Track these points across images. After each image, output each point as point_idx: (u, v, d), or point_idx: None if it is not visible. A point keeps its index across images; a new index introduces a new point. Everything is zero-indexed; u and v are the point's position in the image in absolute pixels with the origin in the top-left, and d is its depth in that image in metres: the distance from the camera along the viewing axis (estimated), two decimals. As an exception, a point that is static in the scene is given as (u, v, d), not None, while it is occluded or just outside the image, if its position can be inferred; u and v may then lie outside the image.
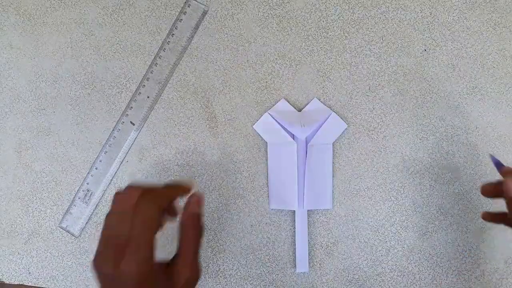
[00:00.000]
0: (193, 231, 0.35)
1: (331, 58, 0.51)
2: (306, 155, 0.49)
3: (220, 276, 0.49)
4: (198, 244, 0.35)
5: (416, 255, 0.50)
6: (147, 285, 0.31)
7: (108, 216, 0.33)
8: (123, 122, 0.51)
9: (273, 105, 0.50)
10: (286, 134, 0.49)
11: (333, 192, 0.50)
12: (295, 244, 0.49)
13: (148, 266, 0.31)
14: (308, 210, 0.50)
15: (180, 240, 0.35)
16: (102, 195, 0.51)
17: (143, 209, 0.32)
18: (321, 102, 0.50)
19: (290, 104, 0.50)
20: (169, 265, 0.34)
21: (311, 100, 0.50)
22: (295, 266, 0.49)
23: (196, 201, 0.36)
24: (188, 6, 0.51)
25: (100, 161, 0.50)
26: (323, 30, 0.51)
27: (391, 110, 0.50)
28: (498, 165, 0.39)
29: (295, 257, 0.50)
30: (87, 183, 0.50)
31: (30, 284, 0.51)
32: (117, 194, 0.34)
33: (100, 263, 0.31)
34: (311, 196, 0.49)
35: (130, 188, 0.33)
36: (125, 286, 0.30)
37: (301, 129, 0.49)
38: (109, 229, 0.33)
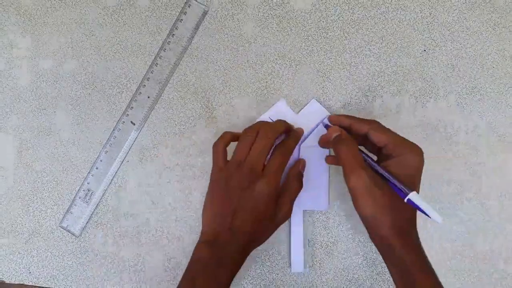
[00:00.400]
0: (296, 183, 0.46)
1: (331, 58, 0.51)
2: (299, 153, 0.49)
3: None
4: (297, 194, 0.46)
5: (416, 255, 0.50)
6: (269, 205, 0.43)
7: (243, 143, 0.44)
8: (124, 122, 0.51)
9: (272, 105, 0.51)
10: (281, 136, 0.49)
11: (329, 192, 0.50)
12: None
13: (276, 192, 0.43)
14: (308, 210, 0.50)
15: (284, 185, 0.46)
16: (103, 195, 0.51)
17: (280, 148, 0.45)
18: (319, 103, 0.50)
19: (287, 105, 0.50)
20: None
21: (310, 101, 0.50)
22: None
23: (303, 164, 0.48)
24: (188, 6, 0.51)
25: (101, 160, 0.51)
26: (323, 30, 0.51)
27: (391, 110, 0.51)
28: (327, 126, 0.47)
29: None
30: (88, 183, 0.51)
31: (30, 284, 0.51)
32: (248, 132, 0.45)
33: (234, 179, 0.43)
34: (306, 197, 0.49)
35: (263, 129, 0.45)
36: (254, 201, 0.42)
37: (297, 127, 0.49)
38: (244, 155, 0.44)
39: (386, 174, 0.40)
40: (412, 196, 0.38)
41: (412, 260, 0.39)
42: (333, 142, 0.44)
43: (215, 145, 0.46)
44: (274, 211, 0.44)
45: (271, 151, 0.45)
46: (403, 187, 0.39)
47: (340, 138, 0.44)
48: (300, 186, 0.47)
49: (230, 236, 0.43)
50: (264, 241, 0.46)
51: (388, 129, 0.43)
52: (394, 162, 0.41)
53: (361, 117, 0.47)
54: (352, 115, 0.46)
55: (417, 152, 0.42)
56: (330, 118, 0.46)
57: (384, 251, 0.42)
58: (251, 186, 0.42)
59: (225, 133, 0.46)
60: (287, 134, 0.47)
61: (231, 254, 0.43)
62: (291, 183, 0.46)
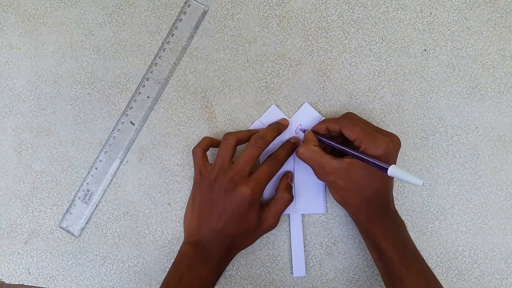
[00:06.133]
0: (285, 194, 0.47)
1: (331, 58, 0.51)
2: (294, 160, 0.49)
3: (221, 276, 0.49)
4: (286, 205, 0.47)
5: (416, 255, 0.50)
6: (251, 211, 0.44)
7: (224, 148, 0.46)
8: (123, 122, 0.51)
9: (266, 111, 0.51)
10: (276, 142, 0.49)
11: (327, 195, 0.50)
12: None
13: (258, 199, 0.45)
14: (307, 214, 0.50)
15: (275, 197, 0.47)
16: (102, 195, 0.51)
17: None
18: (312, 107, 0.50)
19: (279, 110, 0.50)
20: (261, 206, 0.47)
21: (302, 105, 0.50)
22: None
23: (291, 176, 0.49)
24: (188, 6, 0.51)
25: (100, 161, 0.50)
26: (323, 30, 0.51)
27: (391, 110, 0.50)
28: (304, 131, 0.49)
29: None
30: (87, 183, 0.50)
31: (30, 284, 0.51)
32: (228, 134, 0.46)
33: (218, 182, 0.44)
34: (303, 201, 0.49)
35: (258, 137, 0.46)
36: (237, 204, 0.44)
37: (291, 136, 0.49)
38: (225, 158, 0.45)
39: (364, 157, 0.42)
40: (392, 168, 0.39)
41: (375, 232, 0.44)
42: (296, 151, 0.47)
43: (194, 150, 0.48)
44: (258, 218, 0.45)
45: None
46: (381, 163, 0.40)
47: (290, 143, 0.48)
48: (290, 197, 0.47)
49: (213, 237, 0.45)
50: (247, 246, 0.47)
51: (358, 124, 0.43)
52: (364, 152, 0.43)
53: (361, 117, 0.47)
54: (329, 117, 0.49)
55: (380, 144, 0.42)
56: (312, 129, 0.47)
57: (360, 231, 0.47)
58: (235, 189, 0.44)
59: (204, 138, 0.48)
60: (281, 145, 0.48)
61: (215, 254, 0.45)
62: (281, 194, 0.47)
